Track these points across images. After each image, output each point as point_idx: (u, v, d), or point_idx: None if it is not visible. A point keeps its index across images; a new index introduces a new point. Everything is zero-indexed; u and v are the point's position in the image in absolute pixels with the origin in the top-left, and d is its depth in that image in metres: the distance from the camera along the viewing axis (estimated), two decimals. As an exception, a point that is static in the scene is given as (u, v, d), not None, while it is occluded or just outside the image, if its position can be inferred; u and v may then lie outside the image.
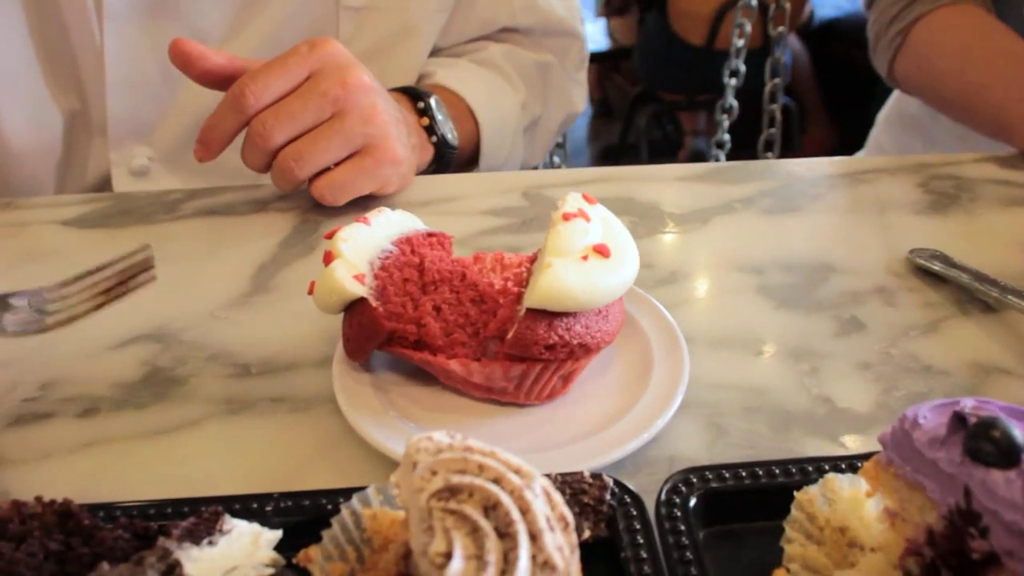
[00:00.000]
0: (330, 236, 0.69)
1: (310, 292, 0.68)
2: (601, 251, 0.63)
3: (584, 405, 0.66)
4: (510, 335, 0.62)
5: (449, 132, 1.07)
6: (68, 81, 1.10)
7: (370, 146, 0.91)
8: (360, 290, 0.66)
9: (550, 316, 0.62)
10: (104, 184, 1.16)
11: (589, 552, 0.51)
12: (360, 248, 0.68)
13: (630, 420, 0.63)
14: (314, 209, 0.97)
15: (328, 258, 0.68)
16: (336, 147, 0.89)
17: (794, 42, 4.03)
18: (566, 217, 0.65)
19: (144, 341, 0.78)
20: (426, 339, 0.65)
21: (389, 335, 0.65)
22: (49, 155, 1.12)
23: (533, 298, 0.61)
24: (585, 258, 0.63)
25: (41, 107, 1.10)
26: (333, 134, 0.88)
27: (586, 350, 0.63)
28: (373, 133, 0.90)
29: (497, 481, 0.41)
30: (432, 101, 1.06)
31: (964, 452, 0.42)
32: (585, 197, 0.68)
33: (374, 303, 0.66)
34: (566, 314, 0.62)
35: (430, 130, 1.05)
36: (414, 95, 1.07)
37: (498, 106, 1.21)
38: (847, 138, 1.80)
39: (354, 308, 0.66)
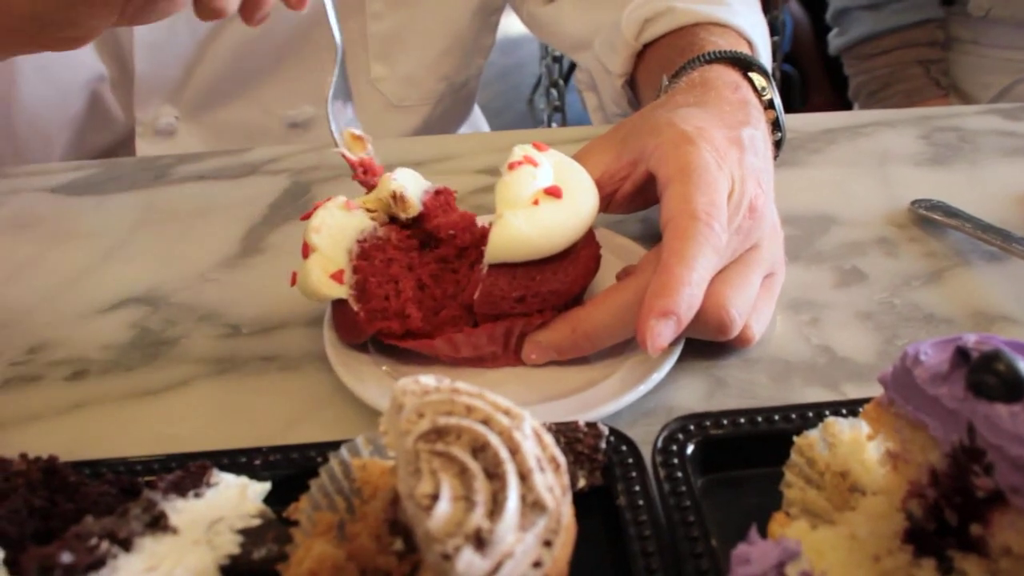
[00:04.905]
0: (307, 217, 0.66)
1: (293, 283, 0.65)
2: (553, 193, 0.62)
3: (579, 359, 0.64)
4: (476, 295, 0.61)
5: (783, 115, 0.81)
6: (96, 44, 1.07)
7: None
8: (338, 292, 0.63)
9: (513, 268, 0.61)
10: (118, 146, 1.14)
11: (585, 501, 0.50)
12: (336, 234, 0.65)
13: (626, 372, 0.62)
14: (304, 171, 0.96)
15: (305, 251, 0.64)
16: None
17: (796, 9, 3.97)
18: (512, 167, 0.63)
19: (134, 304, 0.77)
20: (411, 328, 0.63)
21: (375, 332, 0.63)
22: (69, 120, 1.10)
23: (490, 253, 0.60)
24: (536, 203, 0.61)
25: (65, 71, 1.07)
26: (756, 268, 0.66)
27: (559, 296, 0.62)
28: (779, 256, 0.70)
29: (485, 422, 0.40)
30: (774, 90, 0.78)
31: (967, 387, 0.41)
32: (536, 145, 0.66)
33: (355, 306, 0.63)
34: (530, 263, 0.61)
35: (774, 124, 0.79)
36: (753, 70, 0.78)
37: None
38: (849, 105, 1.79)
39: (337, 304, 0.64)
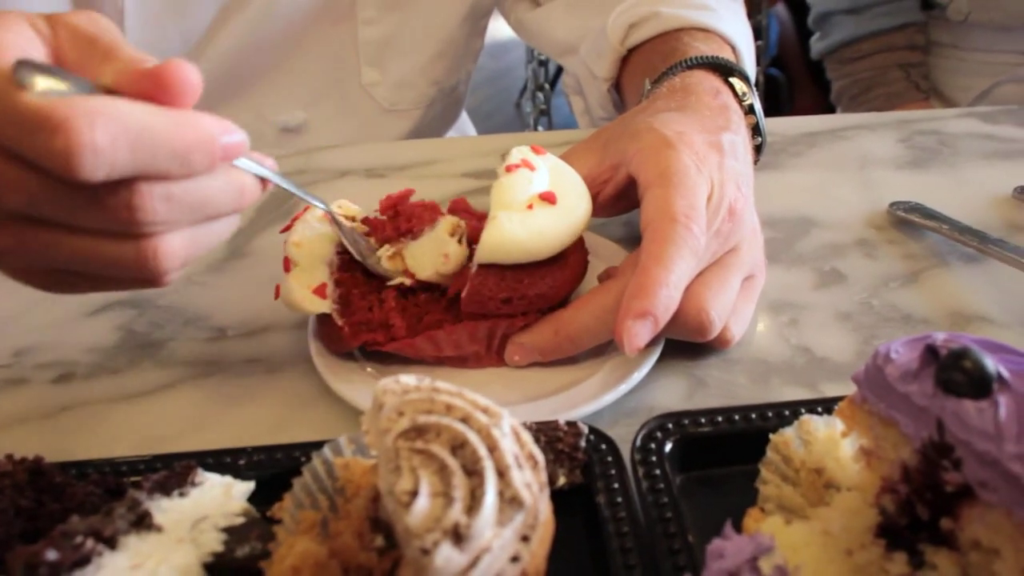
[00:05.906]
0: (287, 230, 0.66)
1: (277, 297, 0.66)
2: (547, 198, 0.62)
3: (561, 360, 0.65)
4: (464, 293, 0.62)
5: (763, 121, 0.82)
6: None
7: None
8: (321, 307, 0.63)
9: (502, 269, 0.61)
10: None
11: (566, 499, 0.51)
12: (316, 246, 0.65)
13: (607, 373, 0.63)
14: (289, 176, 0.96)
15: (287, 265, 0.65)
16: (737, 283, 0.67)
17: (782, 13, 3.99)
18: (509, 169, 0.64)
19: (120, 307, 0.77)
20: (396, 335, 0.63)
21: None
22: None
23: (481, 253, 0.61)
24: (531, 207, 0.62)
25: None
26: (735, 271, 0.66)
27: (545, 300, 0.63)
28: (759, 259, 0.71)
29: (465, 420, 0.41)
30: (754, 96, 0.80)
31: (936, 384, 0.42)
32: (533, 148, 0.67)
33: (339, 320, 0.63)
34: (519, 266, 0.61)
35: (755, 129, 0.80)
36: (734, 76, 0.80)
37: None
38: (833, 107, 1.81)
39: (321, 317, 0.65)
